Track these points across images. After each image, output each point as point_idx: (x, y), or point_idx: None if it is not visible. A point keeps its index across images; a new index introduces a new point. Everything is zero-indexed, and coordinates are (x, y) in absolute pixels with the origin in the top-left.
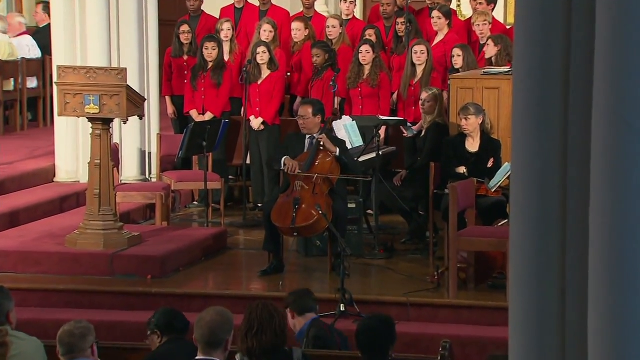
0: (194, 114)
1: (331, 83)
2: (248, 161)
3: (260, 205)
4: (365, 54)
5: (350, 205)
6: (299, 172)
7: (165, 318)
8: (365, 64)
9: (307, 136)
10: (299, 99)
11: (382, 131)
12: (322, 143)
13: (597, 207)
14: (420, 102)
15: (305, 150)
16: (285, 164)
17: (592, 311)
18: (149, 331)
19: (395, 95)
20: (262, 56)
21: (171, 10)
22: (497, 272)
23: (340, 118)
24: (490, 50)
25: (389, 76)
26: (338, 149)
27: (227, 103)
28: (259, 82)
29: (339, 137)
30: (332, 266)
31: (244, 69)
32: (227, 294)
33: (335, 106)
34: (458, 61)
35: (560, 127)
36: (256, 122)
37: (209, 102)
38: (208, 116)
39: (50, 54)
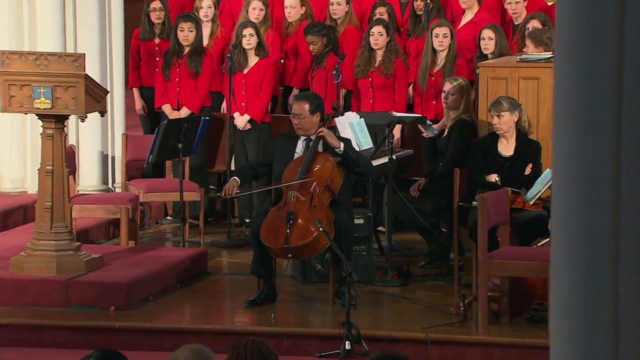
0: (167, 109)
1: (334, 72)
2: (233, 167)
3: (247, 220)
4: (378, 37)
5: (357, 221)
6: (296, 180)
7: None
8: (377, 49)
9: (302, 138)
10: (295, 92)
11: (396, 131)
12: (323, 134)
13: None
14: (443, 96)
15: (299, 155)
16: (224, 190)
17: None
18: None
19: (412, 88)
20: (249, 40)
21: None
22: (537, 303)
23: (343, 114)
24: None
25: (405, 64)
26: (343, 144)
27: (207, 96)
28: (245, 72)
29: (343, 136)
30: (335, 295)
31: (228, 55)
32: (206, 329)
33: (339, 100)
34: (489, 45)
35: (612, 126)
36: (241, 120)
37: (185, 95)
38: (184, 112)
39: None
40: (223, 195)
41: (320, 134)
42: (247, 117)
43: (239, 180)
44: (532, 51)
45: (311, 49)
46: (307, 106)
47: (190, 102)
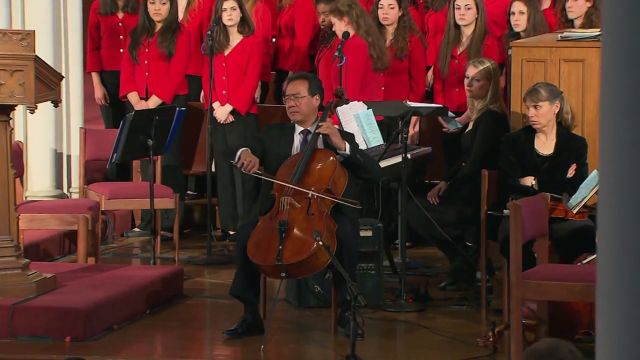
0: (133, 98)
1: (336, 53)
2: (214, 168)
3: (232, 233)
4: (388, 10)
5: (364, 233)
6: (290, 184)
7: None
8: (388, 25)
9: (299, 130)
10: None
11: (413, 124)
12: (323, 133)
13: None
14: (467, 82)
15: (295, 151)
16: (239, 158)
17: None
18: None
19: (431, 72)
20: (231, 14)
21: None
22: (581, 333)
23: (348, 102)
24: (578, 5)
25: (423, 42)
26: (348, 145)
27: (181, 83)
28: (226, 53)
29: (347, 131)
30: (337, 323)
31: (208, 32)
32: None
33: (342, 86)
34: (519, 21)
35: None
36: (222, 111)
37: (155, 82)
38: (154, 102)
39: None
40: (239, 166)
41: (321, 130)
42: (228, 107)
43: (256, 159)
44: (576, 28)
45: (321, 20)
46: (305, 86)
47: (160, 90)
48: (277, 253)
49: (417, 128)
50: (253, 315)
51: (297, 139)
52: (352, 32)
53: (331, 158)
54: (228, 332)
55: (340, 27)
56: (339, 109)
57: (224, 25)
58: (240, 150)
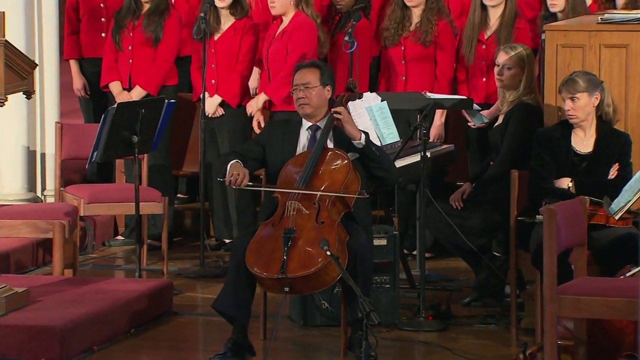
0: (115, 89)
1: (346, 38)
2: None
3: (227, 241)
4: None
5: (378, 242)
6: (298, 189)
7: None
8: (413, 6)
9: (306, 125)
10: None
11: (438, 118)
12: (339, 117)
13: None
14: (497, 70)
15: (302, 149)
16: (227, 174)
17: None
18: None
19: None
20: None
21: None
22: (625, 355)
23: (361, 96)
24: None
25: (452, 27)
26: (364, 136)
27: (170, 72)
28: (216, 38)
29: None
30: (348, 343)
31: (201, 14)
32: None
33: (353, 76)
34: (556, 1)
35: None
36: (211, 103)
37: (140, 70)
38: (137, 93)
39: None
40: (227, 183)
41: (337, 115)
42: (217, 98)
43: (246, 170)
44: (619, 9)
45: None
46: (316, 74)
47: (145, 80)
48: (281, 264)
49: (441, 120)
50: (240, 336)
51: (305, 136)
52: None
53: (344, 160)
54: (217, 357)
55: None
56: (350, 103)
57: (215, 7)
58: (229, 165)
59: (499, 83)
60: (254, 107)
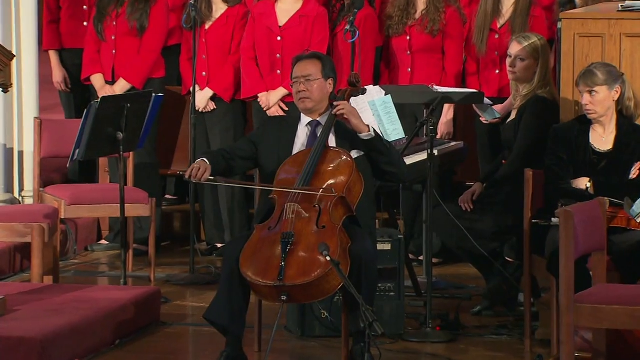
0: (97, 82)
1: (347, 27)
2: None
3: (219, 246)
4: None
5: (382, 246)
6: (295, 189)
7: None
8: None
9: (306, 121)
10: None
11: (446, 113)
12: (340, 113)
13: None
14: (509, 62)
15: (301, 147)
16: (190, 167)
17: None
18: None
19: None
20: None
21: None
22: None
23: (364, 92)
24: None
25: (461, 15)
26: (372, 129)
27: (156, 63)
28: (207, 26)
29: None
30: (349, 356)
31: (191, 1)
32: None
33: (355, 69)
34: None
35: None
36: (201, 97)
37: (125, 62)
38: (121, 87)
39: None
40: (187, 177)
41: (340, 111)
42: (209, 92)
43: (209, 165)
44: None
45: None
46: (318, 66)
47: (129, 72)
48: (279, 271)
49: (450, 115)
50: (234, 349)
51: (303, 133)
52: None
53: (347, 159)
54: None
55: None
56: (352, 99)
57: None
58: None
59: (512, 75)
60: (272, 100)
